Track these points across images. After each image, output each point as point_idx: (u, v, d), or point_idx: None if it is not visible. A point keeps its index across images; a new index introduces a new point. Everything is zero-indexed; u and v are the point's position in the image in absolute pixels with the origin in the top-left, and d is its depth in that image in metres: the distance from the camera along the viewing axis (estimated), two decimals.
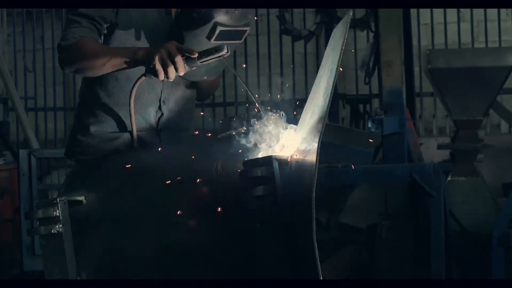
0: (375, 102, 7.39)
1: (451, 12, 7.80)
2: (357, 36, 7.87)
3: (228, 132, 2.43)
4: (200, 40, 2.54)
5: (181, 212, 2.33)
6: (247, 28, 2.57)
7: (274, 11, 8.00)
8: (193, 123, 2.94)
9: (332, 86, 2.03)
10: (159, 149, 2.62)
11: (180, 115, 2.83)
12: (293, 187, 2.09)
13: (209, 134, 2.61)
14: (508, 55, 5.57)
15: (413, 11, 7.31)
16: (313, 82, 2.32)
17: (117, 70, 2.60)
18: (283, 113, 2.31)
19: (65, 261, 2.49)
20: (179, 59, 2.42)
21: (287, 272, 2.09)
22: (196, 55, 2.45)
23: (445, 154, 6.16)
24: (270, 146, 2.26)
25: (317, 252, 1.92)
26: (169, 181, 2.39)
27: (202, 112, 7.41)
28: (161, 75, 2.45)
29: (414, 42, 6.86)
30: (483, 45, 7.75)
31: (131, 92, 2.61)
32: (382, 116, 4.70)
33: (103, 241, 2.52)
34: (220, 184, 2.26)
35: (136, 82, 2.60)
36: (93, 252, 2.53)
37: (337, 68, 2.05)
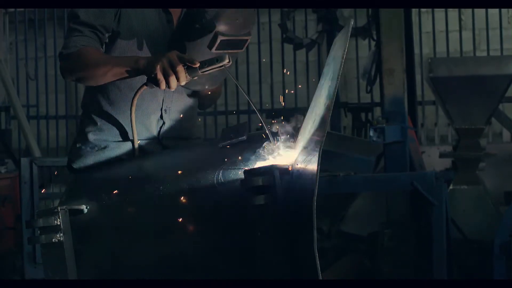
0: (377, 111, 7.38)
1: (453, 20, 7.80)
2: (359, 44, 7.87)
3: (229, 141, 2.43)
4: (201, 50, 2.54)
5: (181, 221, 2.33)
6: (248, 37, 2.57)
7: (276, 19, 8.00)
8: (195, 131, 2.94)
9: (333, 94, 2.03)
10: (160, 157, 2.62)
11: (182, 124, 2.83)
12: (294, 196, 2.08)
13: (211, 143, 2.61)
14: (510, 63, 5.56)
15: (415, 19, 7.32)
16: (315, 90, 2.31)
17: (118, 79, 2.60)
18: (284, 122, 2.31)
19: (66, 270, 2.49)
20: (180, 69, 2.42)
21: None
22: (197, 65, 2.45)
23: (447, 162, 6.14)
24: (271, 155, 2.26)
25: (318, 261, 1.92)
26: (170, 189, 2.39)
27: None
28: (163, 85, 2.45)
29: (416, 50, 6.86)
30: (484, 54, 7.74)
31: (132, 100, 2.61)
32: (384, 125, 4.70)
33: (104, 250, 2.51)
34: (221, 193, 2.26)
35: (137, 91, 2.61)
36: (94, 261, 2.53)
37: (338, 77, 2.05)
